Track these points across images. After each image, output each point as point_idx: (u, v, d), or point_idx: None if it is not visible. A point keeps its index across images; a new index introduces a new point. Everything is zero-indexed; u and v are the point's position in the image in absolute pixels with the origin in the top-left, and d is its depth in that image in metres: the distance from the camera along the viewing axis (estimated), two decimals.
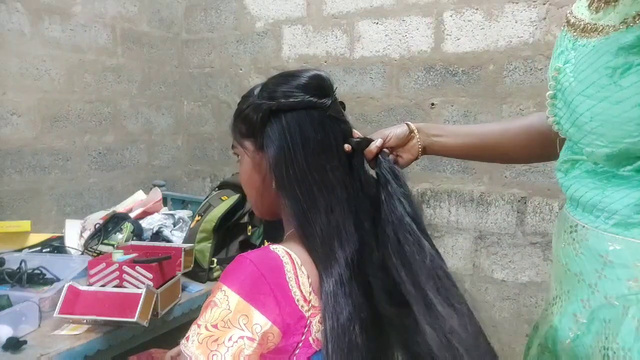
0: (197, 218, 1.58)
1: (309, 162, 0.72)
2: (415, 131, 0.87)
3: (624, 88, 0.59)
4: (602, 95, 0.61)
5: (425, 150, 0.88)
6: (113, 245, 1.52)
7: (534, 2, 1.75)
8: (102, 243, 1.56)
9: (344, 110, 0.81)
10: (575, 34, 0.70)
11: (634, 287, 0.62)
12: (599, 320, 0.67)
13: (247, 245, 1.59)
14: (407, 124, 0.88)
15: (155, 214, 1.84)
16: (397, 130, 0.86)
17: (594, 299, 0.67)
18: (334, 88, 0.79)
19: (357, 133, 0.82)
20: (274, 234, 0.82)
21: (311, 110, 0.74)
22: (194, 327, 0.63)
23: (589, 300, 0.68)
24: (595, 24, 0.66)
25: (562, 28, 0.75)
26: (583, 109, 0.64)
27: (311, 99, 0.74)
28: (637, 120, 0.57)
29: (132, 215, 1.78)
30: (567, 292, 0.73)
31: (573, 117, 0.66)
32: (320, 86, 0.77)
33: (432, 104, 1.98)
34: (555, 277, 0.78)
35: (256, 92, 0.78)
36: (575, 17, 0.72)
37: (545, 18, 1.74)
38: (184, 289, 1.41)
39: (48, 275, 1.34)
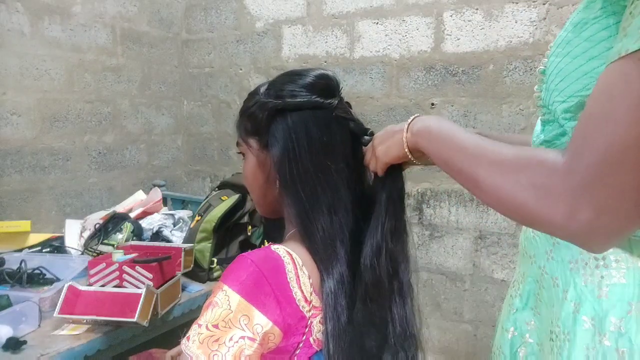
0: (197, 218, 1.58)
1: (313, 163, 0.72)
2: None
3: (583, 40, 0.58)
4: (565, 51, 0.61)
5: None
6: (113, 245, 1.52)
7: (534, 2, 1.75)
8: (102, 243, 1.56)
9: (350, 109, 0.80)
10: None
11: (574, 269, 0.63)
12: (546, 303, 0.67)
13: (247, 245, 1.59)
14: None
15: (155, 214, 1.84)
16: None
17: (544, 280, 0.68)
18: (340, 87, 0.78)
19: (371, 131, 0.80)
20: (274, 234, 0.81)
21: (317, 110, 0.74)
22: (194, 327, 0.62)
23: (540, 282, 0.69)
24: None
25: None
26: (551, 69, 0.64)
27: (317, 99, 0.74)
28: (590, 74, 0.56)
29: (132, 215, 1.78)
30: (522, 274, 0.75)
31: (546, 82, 0.66)
32: (327, 86, 0.76)
33: (432, 104, 1.98)
34: (518, 260, 0.80)
35: (262, 90, 0.77)
36: None
37: (545, 18, 1.74)
38: (184, 289, 1.41)
39: (48, 275, 1.34)
